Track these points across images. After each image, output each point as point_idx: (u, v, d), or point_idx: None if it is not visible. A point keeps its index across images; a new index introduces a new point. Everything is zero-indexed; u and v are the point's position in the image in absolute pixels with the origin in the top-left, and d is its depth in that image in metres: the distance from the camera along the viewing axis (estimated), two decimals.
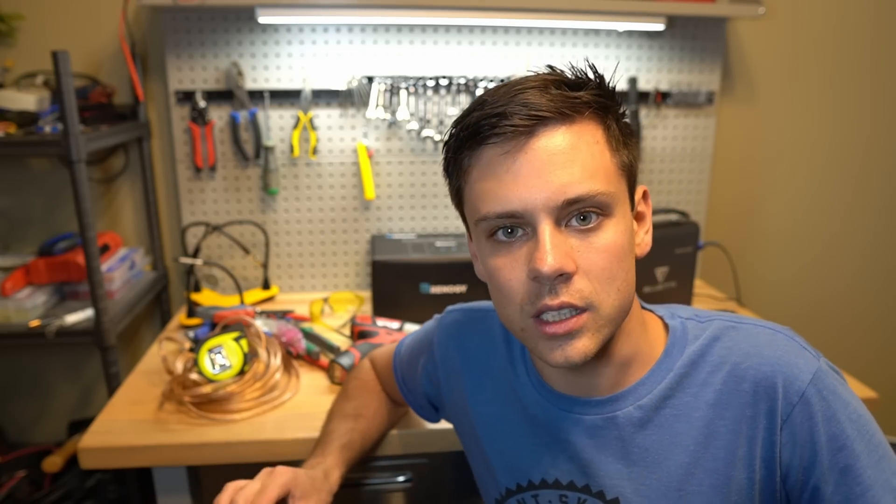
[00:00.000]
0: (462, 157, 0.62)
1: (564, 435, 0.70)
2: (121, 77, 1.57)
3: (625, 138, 0.63)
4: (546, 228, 0.58)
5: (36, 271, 1.41)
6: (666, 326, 0.70)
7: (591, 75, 0.62)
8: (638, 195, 0.66)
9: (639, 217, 0.67)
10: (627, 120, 0.65)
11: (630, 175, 0.63)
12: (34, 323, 1.33)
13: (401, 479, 1.11)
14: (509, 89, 0.60)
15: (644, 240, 0.67)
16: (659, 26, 1.55)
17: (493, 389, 0.78)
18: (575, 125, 0.59)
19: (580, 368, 0.66)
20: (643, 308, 0.71)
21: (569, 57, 1.64)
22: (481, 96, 0.62)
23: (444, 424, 1.05)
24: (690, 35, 1.67)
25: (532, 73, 0.62)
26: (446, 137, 0.64)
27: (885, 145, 1.89)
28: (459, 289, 1.47)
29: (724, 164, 1.83)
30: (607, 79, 0.63)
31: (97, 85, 1.52)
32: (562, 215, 0.58)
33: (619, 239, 0.60)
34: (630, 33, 1.64)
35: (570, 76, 0.62)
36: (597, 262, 0.59)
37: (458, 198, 0.66)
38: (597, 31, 1.63)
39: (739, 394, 0.64)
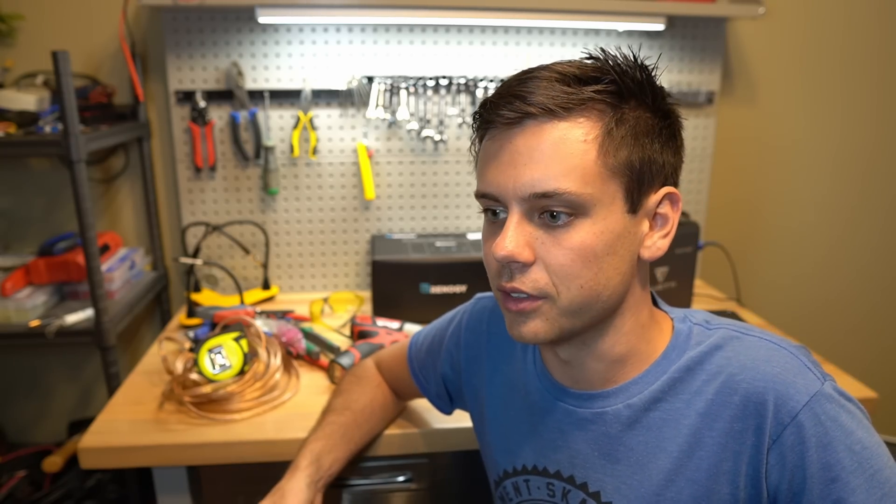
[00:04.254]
0: (475, 133, 0.67)
1: (557, 424, 0.72)
2: (121, 77, 1.57)
3: (637, 136, 0.61)
4: (514, 216, 0.61)
5: (36, 271, 1.41)
6: (674, 330, 0.69)
7: (616, 68, 0.61)
8: (657, 197, 0.63)
9: (659, 219, 0.65)
10: (669, 117, 0.64)
11: (632, 175, 0.61)
12: (34, 323, 1.33)
13: (401, 479, 1.11)
14: (520, 77, 0.62)
15: (657, 244, 0.65)
16: (659, 26, 1.55)
17: (506, 375, 0.80)
18: (565, 122, 0.59)
19: (569, 360, 0.69)
20: (659, 308, 0.71)
21: (568, 57, 1.64)
22: (508, 77, 0.64)
23: (443, 424, 1.05)
24: (690, 35, 1.67)
25: (562, 60, 0.63)
26: None
27: (890, 145, 1.89)
28: (459, 289, 1.47)
29: (724, 164, 1.83)
30: (650, 73, 0.63)
31: (97, 85, 1.52)
32: (533, 207, 0.61)
33: (591, 240, 0.60)
34: (630, 33, 1.64)
35: (595, 63, 0.62)
36: (558, 257, 0.60)
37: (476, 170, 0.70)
38: (597, 31, 1.63)
39: (730, 406, 0.62)
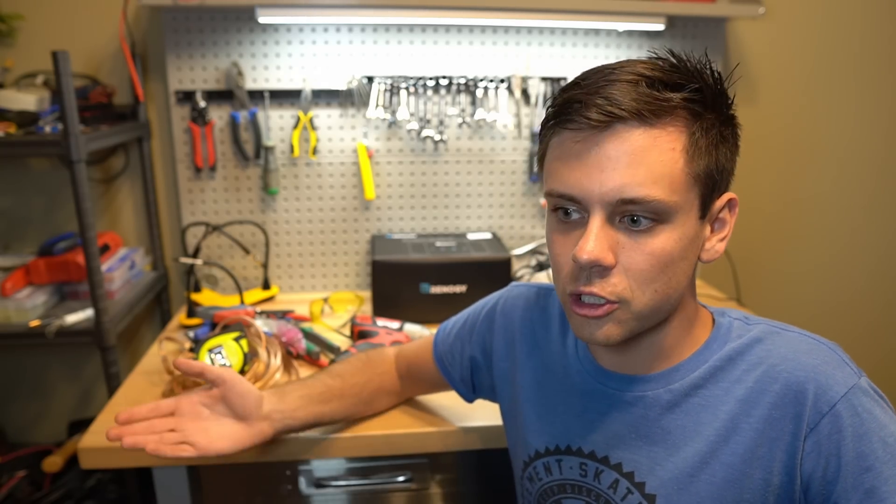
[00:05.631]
0: (548, 129, 0.65)
1: (596, 406, 0.74)
2: (121, 77, 1.57)
3: (716, 145, 0.63)
4: (597, 220, 0.60)
5: (36, 271, 1.41)
6: (714, 323, 0.72)
7: (696, 74, 0.61)
8: (721, 202, 0.66)
9: (718, 224, 0.67)
10: (733, 123, 0.66)
11: (709, 182, 0.63)
12: (34, 323, 1.33)
13: (401, 479, 1.11)
14: (602, 76, 0.60)
15: (715, 247, 0.67)
16: (659, 26, 1.55)
17: (542, 359, 0.81)
18: (654, 129, 0.59)
19: (620, 349, 0.70)
20: (699, 304, 0.73)
21: (568, 57, 1.64)
22: (583, 73, 0.63)
23: (444, 425, 1.05)
24: (690, 35, 1.67)
25: (639, 59, 0.62)
26: (550, 102, 0.66)
27: (890, 145, 1.89)
28: (459, 289, 1.47)
29: None
30: (721, 79, 0.63)
31: (97, 85, 1.52)
32: (616, 211, 0.60)
33: (670, 246, 0.61)
34: (630, 33, 1.64)
35: (676, 67, 0.61)
36: (639, 262, 0.61)
37: (540, 163, 0.68)
38: (597, 31, 1.63)
39: (769, 394, 0.64)
